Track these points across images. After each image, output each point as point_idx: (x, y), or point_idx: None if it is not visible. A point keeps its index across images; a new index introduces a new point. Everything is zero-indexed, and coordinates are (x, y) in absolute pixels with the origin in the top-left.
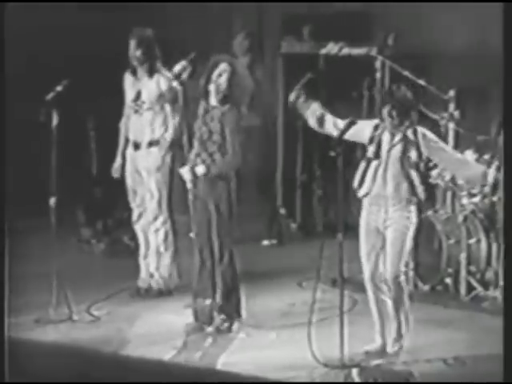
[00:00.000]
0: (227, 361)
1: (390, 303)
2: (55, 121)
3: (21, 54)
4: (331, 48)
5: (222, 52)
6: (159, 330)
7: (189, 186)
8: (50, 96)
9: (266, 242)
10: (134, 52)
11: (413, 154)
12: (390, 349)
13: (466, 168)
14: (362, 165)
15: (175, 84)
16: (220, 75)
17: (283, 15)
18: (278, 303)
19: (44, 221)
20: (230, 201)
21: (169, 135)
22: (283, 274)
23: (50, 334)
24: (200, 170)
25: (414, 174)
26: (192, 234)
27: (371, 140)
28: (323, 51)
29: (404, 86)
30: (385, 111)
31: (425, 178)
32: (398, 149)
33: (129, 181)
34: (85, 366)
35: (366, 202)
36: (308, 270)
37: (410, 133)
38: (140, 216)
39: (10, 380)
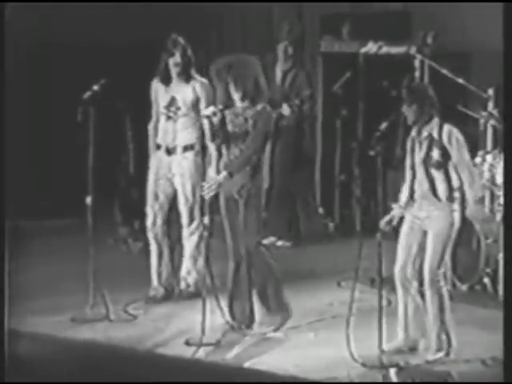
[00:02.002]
0: (265, 360)
1: (428, 308)
2: (92, 120)
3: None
4: (370, 47)
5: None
6: (196, 330)
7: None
8: (86, 95)
9: (279, 243)
10: (177, 59)
11: (435, 153)
12: (430, 356)
13: (470, 184)
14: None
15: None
16: (235, 79)
17: (322, 15)
18: (316, 303)
19: (81, 220)
20: (258, 198)
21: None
22: (321, 273)
23: (86, 332)
24: (223, 175)
25: (434, 174)
26: (206, 220)
27: (411, 150)
28: (362, 50)
29: (424, 83)
30: (404, 107)
31: (448, 176)
32: (423, 148)
33: (151, 185)
34: (121, 365)
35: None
36: (347, 269)
37: (435, 132)
38: (155, 222)
39: (45, 378)
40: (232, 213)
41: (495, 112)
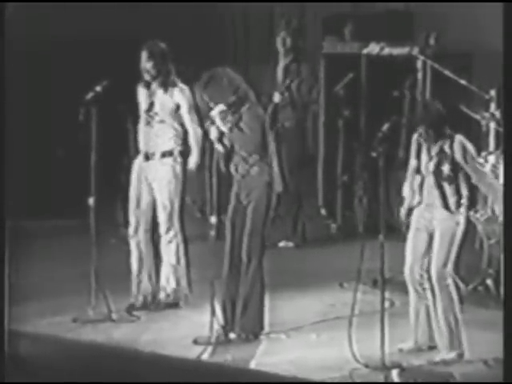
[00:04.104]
0: (267, 361)
1: (438, 307)
2: (94, 120)
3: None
4: (373, 48)
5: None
6: (200, 331)
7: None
8: (89, 96)
9: (282, 244)
10: (145, 65)
11: (446, 168)
12: (441, 356)
13: (492, 193)
14: (409, 177)
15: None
16: (212, 95)
17: (324, 16)
18: (319, 304)
19: (82, 221)
20: (269, 203)
21: (196, 143)
22: (324, 274)
23: (88, 333)
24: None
25: (446, 187)
26: (213, 220)
27: (416, 154)
28: (365, 51)
29: (434, 103)
30: (420, 131)
31: (458, 189)
32: (433, 162)
33: (133, 191)
34: (123, 366)
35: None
36: (349, 270)
37: (446, 146)
38: (137, 229)
39: (47, 378)
40: (237, 218)
41: (497, 113)
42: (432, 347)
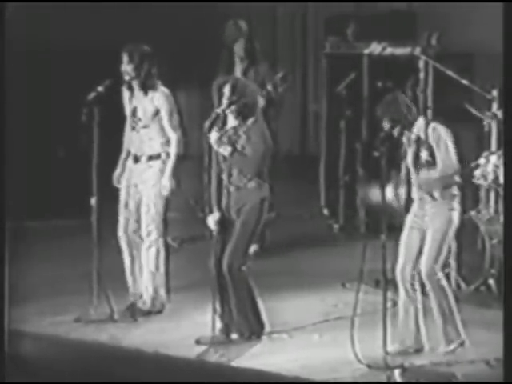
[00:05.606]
0: (269, 361)
1: (432, 303)
2: (96, 120)
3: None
4: (375, 48)
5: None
6: (202, 331)
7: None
8: (91, 96)
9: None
10: (125, 67)
11: (423, 154)
12: (442, 349)
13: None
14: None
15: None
16: (227, 96)
17: (327, 16)
18: (321, 304)
19: (84, 221)
20: (258, 221)
21: (173, 149)
22: (326, 274)
23: (90, 333)
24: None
25: (427, 173)
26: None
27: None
28: (367, 51)
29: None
30: (384, 124)
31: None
32: (411, 150)
33: (123, 193)
34: (126, 366)
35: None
36: (351, 270)
37: (422, 132)
38: (126, 230)
39: (49, 378)
40: (223, 231)
41: (499, 113)
42: (418, 350)
